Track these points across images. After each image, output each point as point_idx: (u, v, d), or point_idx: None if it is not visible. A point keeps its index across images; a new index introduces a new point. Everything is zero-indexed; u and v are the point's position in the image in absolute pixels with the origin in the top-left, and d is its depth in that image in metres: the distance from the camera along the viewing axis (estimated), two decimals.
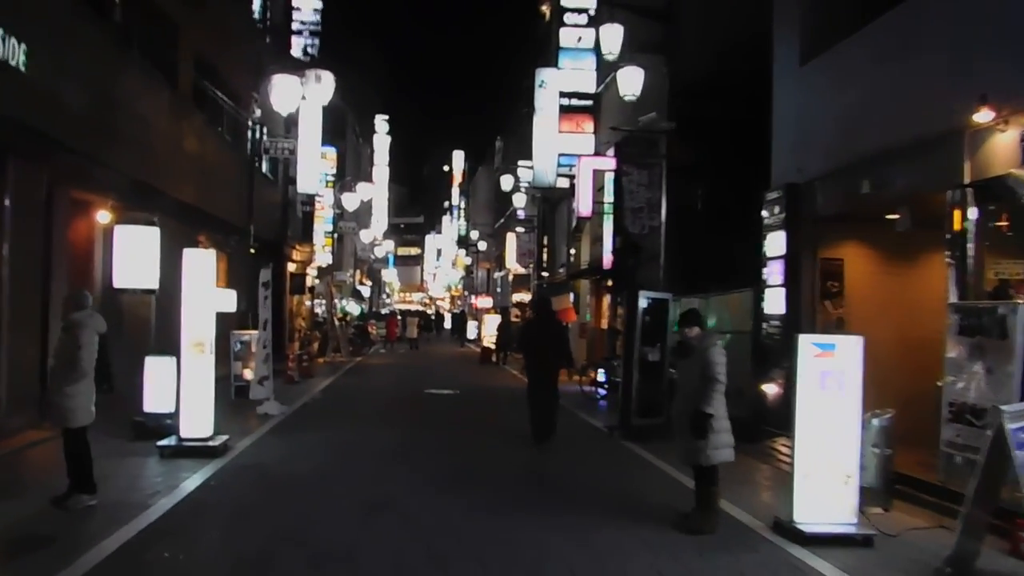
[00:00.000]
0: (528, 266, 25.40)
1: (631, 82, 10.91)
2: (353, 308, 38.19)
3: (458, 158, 68.48)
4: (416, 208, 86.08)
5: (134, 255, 10.16)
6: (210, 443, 7.87)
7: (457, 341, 38.31)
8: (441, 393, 14.68)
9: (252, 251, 16.30)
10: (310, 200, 23.69)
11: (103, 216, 11.08)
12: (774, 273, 9.51)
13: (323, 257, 28.12)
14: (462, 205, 64.07)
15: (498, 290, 41.11)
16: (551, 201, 25.24)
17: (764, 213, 9.77)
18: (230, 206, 15.14)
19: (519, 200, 25.38)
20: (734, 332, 10.56)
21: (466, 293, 56.00)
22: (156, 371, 8.78)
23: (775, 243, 9.52)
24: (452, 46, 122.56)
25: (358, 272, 47.14)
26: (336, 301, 33.74)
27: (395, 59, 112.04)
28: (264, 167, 20.07)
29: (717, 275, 11.77)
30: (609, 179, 16.83)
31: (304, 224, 23.67)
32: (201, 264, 8.06)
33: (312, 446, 8.78)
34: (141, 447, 8.01)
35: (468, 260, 51.38)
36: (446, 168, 74.26)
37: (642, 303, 9.53)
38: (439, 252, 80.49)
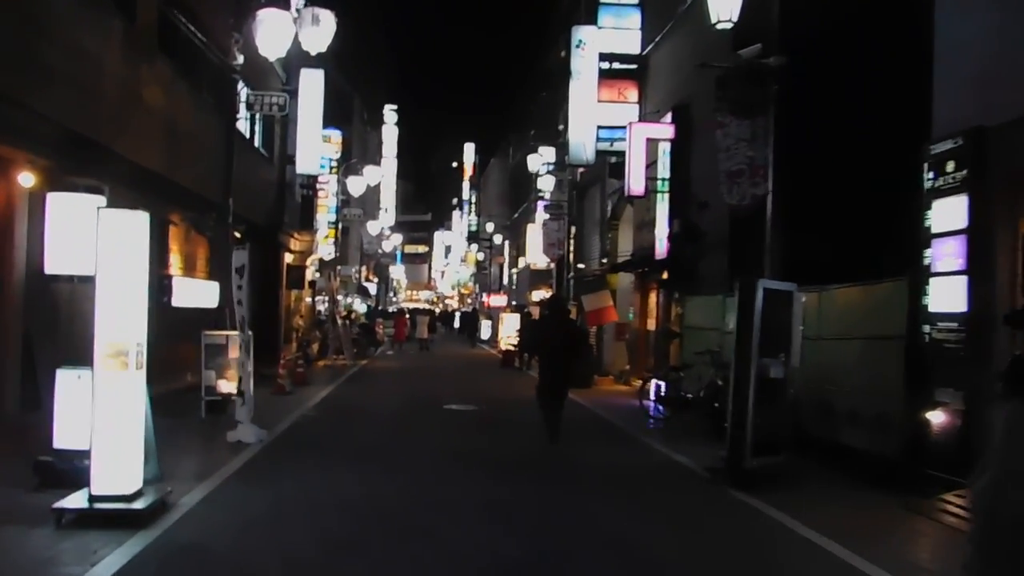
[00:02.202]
0: (556, 258, 22.65)
1: (726, 4, 8.17)
2: (359, 306, 35.58)
3: (468, 151, 66.12)
4: (423, 205, 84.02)
5: (73, 232, 7.51)
6: (134, 505, 5.17)
7: (468, 341, 35.71)
8: (464, 410, 11.95)
9: (238, 235, 13.63)
10: (310, 183, 21.00)
11: (28, 179, 8.43)
12: (946, 255, 6.76)
13: (326, 249, 25.46)
14: (473, 200, 61.63)
15: (514, 287, 38.41)
16: (580, 186, 22.54)
17: (929, 174, 7.02)
18: (209, 179, 12.44)
19: (546, 184, 22.63)
20: (870, 337, 7.82)
21: (477, 290, 53.31)
22: (71, 390, 6.09)
23: (948, 213, 6.77)
24: (461, 33, 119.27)
25: (364, 268, 44.58)
26: (340, 297, 31.12)
27: (403, 49, 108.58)
28: (257, 140, 17.41)
29: (831, 261, 9.01)
30: (664, 152, 14.12)
31: (304, 210, 20.96)
32: (125, 231, 5.37)
33: (290, 507, 5.93)
34: (41, 503, 5.31)
35: (480, 256, 48.65)
36: (455, 164, 72.05)
37: (759, 297, 6.78)
38: (448, 249, 78.20)
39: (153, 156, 10.74)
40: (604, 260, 17.47)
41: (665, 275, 14.00)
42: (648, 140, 13.75)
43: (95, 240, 5.33)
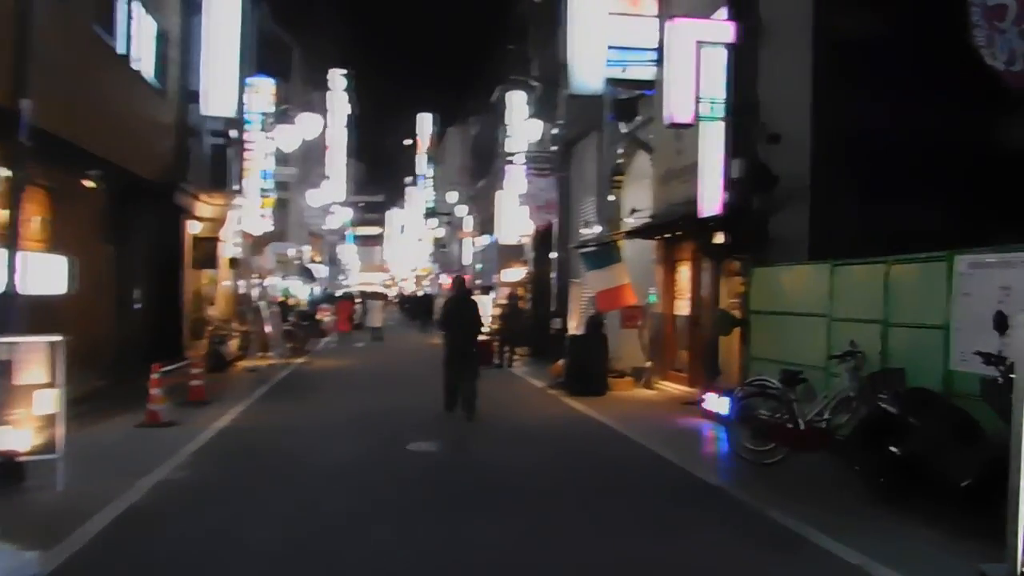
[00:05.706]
0: (545, 225, 18.37)
1: None
2: (298, 290, 30.80)
3: (424, 121, 61.25)
4: (376, 186, 79.17)
5: None
6: None
7: (420, 328, 31.33)
8: (444, 459, 7.54)
9: (91, 184, 8.99)
10: (224, 130, 16.26)
11: None
12: None
13: (253, 219, 20.68)
14: (430, 174, 56.96)
15: (478, 265, 34.02)
16: (566, 141, 18.28)
17: None
18: (48, 102, 7.68)
19: (529, 131, 18.28)
20: None
21: (437, 270, 48.71)
22: None
23: None
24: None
25: (309, 248, 39.63)
26: (275, 280, 26.38)
27: (351, 12, 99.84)
28: (147, 67, 12.63)
29: None
30: (720, 63, 9.89)
31: (216, 164, 16.19)
32: None
33: None
34: None
35: (441, 232, 44.08)
36: (408, 141, 67.36)
37: None
38: (403, 228, 73.57)
39: None
40: (633, 219, 13.17)
41: (720, 238, 9.87)
42: (697, 44, 9.52)
43: None
